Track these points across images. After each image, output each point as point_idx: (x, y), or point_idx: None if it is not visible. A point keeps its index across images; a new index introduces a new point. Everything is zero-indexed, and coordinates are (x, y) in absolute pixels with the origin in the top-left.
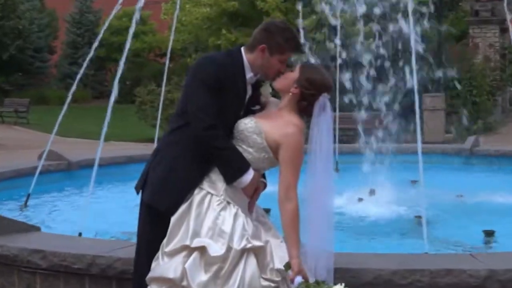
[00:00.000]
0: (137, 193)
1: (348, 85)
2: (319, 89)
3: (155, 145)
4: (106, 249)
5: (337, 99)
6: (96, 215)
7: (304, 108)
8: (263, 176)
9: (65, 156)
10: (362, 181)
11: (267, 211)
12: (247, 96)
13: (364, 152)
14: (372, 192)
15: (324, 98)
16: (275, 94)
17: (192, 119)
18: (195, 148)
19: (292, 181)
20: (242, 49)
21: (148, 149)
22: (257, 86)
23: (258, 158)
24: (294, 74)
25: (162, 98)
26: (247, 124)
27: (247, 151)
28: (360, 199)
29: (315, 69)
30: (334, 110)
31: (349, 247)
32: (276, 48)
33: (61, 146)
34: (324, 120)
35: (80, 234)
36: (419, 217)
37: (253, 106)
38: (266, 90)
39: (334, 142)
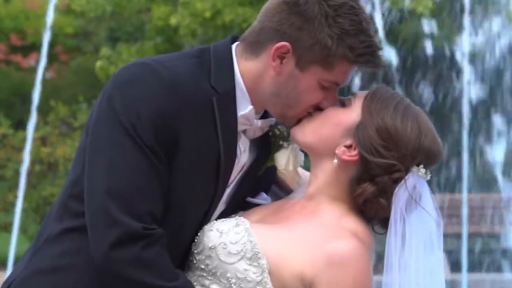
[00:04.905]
0: None
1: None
2: (409, 154)
3: (7, 274)
4: None
5: (465, 171)
6: None
7: (368, 198)
8: None
9: None
10: None
11: None
12: (242, 165)
13: None
14: None
15: (418, 178)
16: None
17: (90, 217)
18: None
19: None
20: (234, 47)
21: None
22: (267, 143)
23: None
24: (348, 114)
25: (27, 159)
26: (226, 233)
27: None
28: None
29: (398, 105)
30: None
31: None
32: (316, 55)
33: None
34: (419, 227)
35: None
36: None
37: (253, 194)
38: (289, 158)
39: (456, 269)
